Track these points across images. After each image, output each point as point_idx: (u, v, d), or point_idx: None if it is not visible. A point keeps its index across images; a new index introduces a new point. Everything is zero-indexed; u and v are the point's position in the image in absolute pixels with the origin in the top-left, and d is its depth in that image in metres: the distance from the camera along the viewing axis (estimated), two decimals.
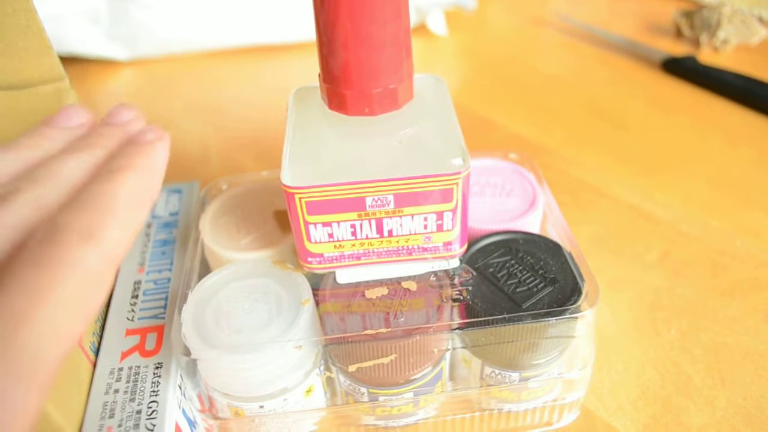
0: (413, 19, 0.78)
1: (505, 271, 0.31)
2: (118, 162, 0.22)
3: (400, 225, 0.28)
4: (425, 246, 0.29)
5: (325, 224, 0.28)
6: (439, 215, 0.28)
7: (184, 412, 0.30)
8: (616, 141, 0.58)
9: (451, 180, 0.27)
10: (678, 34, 0.77)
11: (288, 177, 0.26)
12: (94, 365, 0.31)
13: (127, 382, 0.30)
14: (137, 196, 0.21)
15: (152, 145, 0.24)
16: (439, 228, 0.28)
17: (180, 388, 0.30)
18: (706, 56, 0.71)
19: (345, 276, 0.31)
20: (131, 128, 0.25)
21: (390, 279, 0.31)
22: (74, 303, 0.17)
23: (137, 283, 0.35)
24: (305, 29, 0.76)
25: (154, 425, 0.28)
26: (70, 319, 0.17)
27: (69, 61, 0.70)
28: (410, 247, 0.29)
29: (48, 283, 0.17)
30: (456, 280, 0.31)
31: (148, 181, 0.22)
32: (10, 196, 0.19)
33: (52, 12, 0.66)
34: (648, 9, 0.85)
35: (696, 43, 0.74)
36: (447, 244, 0.29)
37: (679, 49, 0.73)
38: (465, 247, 0.30)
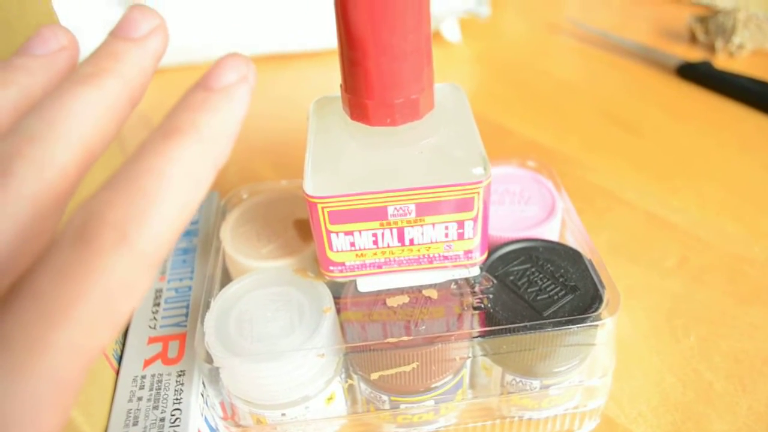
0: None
1: (525, 279, 0.31)
2: (173, 120, 0.17)
3: (422, 234, 0.28)
4: (446, 254, 0.29)
5: (347, 233, 0.28)
6: (460, 224, 0.28)
7: (206, 419, 0.31)
8: (631, 147, 0.58)
9: (472, 189, 0.27)
10: (693, 39, 0.76)
11: (311, 187, 0.27)
12: (117, 373, 0.31)
13: (150, 389, 0.30)
14: (195, 173, 0.17)
15: (227, 93, 0.18)
16: (460, 236, 0.29)
17: (202, 395, 0.31)
18: (722, 61, 0.71)
19: (366, 284, 0.31)
20: (154, 44, 0.19)
21: (411, 287, 0.31)
22: (100, 318, 0.15)
23: (158, 291, 0.35)
24: (322, 37, 0.76)
25: None
26: (93, 336, 0.15)
27: None
28: (431, 255, 0.29)
29: (72, 298, 0.14)
30: (476, 288, 0.31)
31: (213, 150, 0.17)
32: (5, 165, 0.15)
33: (71, 25, 0.67)
34: (662, 14, 0.85)
35: (711, 48, 0.74)
36: (468, 253, 0.29)
37: (693, 55, 0.73)
38: (485, 255, 0.31)
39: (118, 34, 0.19)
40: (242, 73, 0.19)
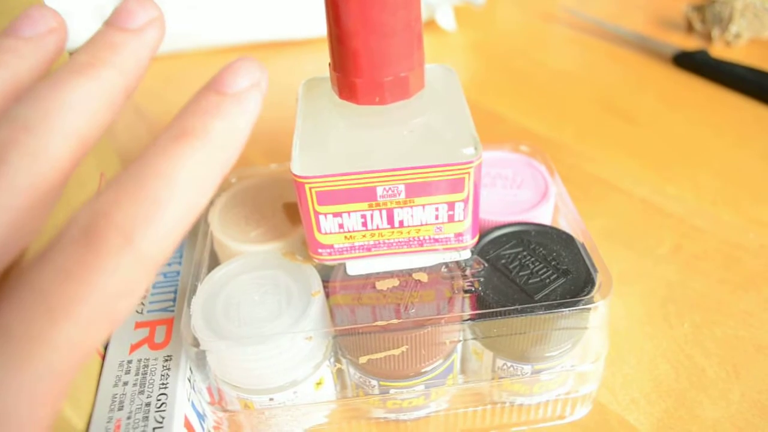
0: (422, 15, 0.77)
1: (517, 263, 0.31)
2: (184, 123, 0.17)
3: (411, 215, 0.28)
4: (436, 237, 0.29)
5: (336, 215, 0.28)
6: (451, 205, 0.28)
7: (193, 404, 0.30)
8: (626, 135, 0.57)
9: (462, 169, 0.26)
10: (689, 28, 0.76)
11: (298, 166, 0.26)
12: (104, 358, 0.31)
13: (137, 374, 0.30)
14: (203, 178, 0.17)
15: (239, 98, 0.18)
16: (451, 219, 0.28)
17: (189, 380, 0.30)
18: (718, 50, 0.71)
19: (355, 267, 0.30)
20: (151, 36, 0.19)
21: (401, 270, 0.31)
22: (99, 318, 0.15)
23: None
24: (315, 25, 0.76)
25: (163, 417, 0.28)
26: (91, 335, 0.15)
27: None
28: (421, 238, 0.29)
29: (74, 297, 0.14)
30: (467, 272, 0.30)
31: (222, 156, 0.17)
32: None
33: (60, 9, 0.66)
34: (659, 3, 0.84)
35: (708, 37, 0.74)
36: (458, 235, 0.29)
37: (690, 44, 0.72)
38: (477, 238, 0.30)
39: (114, 23, 0.19)
40: (255, 78, 0.18)
